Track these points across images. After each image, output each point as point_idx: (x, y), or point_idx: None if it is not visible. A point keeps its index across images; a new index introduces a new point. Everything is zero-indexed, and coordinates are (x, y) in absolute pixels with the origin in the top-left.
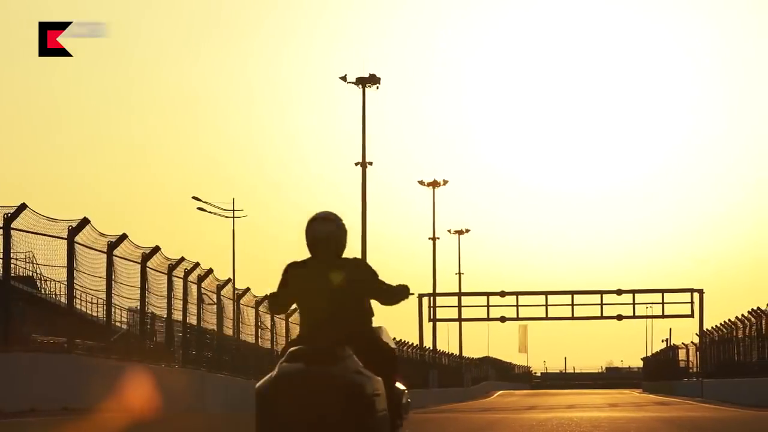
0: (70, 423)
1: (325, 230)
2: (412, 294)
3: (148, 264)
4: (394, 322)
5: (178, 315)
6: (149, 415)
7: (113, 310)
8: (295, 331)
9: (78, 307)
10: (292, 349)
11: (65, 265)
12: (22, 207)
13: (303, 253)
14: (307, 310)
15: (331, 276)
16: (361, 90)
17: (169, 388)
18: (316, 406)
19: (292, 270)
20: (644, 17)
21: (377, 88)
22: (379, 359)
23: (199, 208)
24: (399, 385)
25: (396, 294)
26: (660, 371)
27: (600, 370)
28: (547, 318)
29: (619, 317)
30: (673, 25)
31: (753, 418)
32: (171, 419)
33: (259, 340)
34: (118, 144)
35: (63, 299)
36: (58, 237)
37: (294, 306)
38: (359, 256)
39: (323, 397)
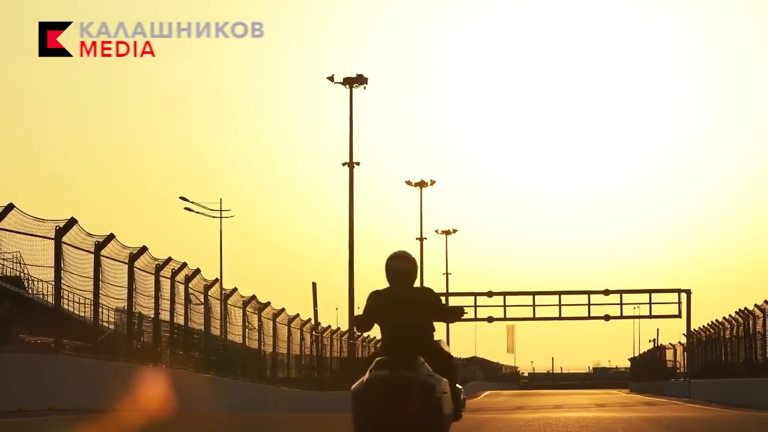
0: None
1: (402, 266)
2: (466, 313)
3: (136, 264)
4: None
5: (165, 315)
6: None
7: (100, 310)
8: (281, 330)
9: (65, 307)
10: (378, 359)
11: (52, 265)
12: (10, 207)
13: (291, 254)
14: (388, 328)
15: (406, 302)
16: (348, 90)
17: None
18: (399, 403)
19: (374, 297)
20: (631, 17)
21: (364, 88)
22: (442, 365)
23: (187, 209)
24: (458, 385)
25: (453, 314)
26: (647, 371)
27: (587, 371)
28: (534, 318)
29: (607, 317)
30: (659, 24)
31: (740, 419)
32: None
33: (247, 340)
34: (106, 144)
35: (50, 299)
36: (45, 237)
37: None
38: (347, 256)
39: (405, 396)
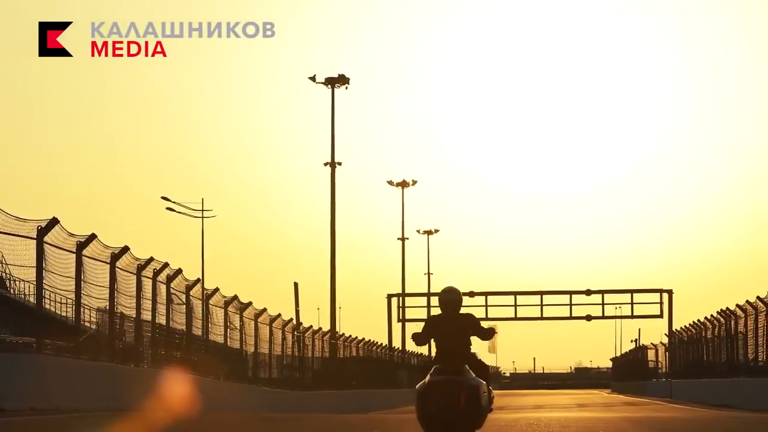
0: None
1: (450, 298)
2: (497, 333)
3: (117, 264)
4: (363, 323)
5: (147, 315)
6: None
7: (82, 310)
8: (263, 330)
9: (47, 307)
10: (435, 366)
11: (34, 264)
12: None
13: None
14: (441, 343)
15: (454, 323)
16: (330, 90)
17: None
18: (453, 399)
19: (431, 320)
20: (613, 19)
21: (346, 88)
22: (480, 371)
23: (168, 208)
24: (489, 386)
25: (488, 334)
26: (629, 371)
27: (569, 371)
28: (516, 318)
29: (588, 317)
30: (642, 26)
31: (721, 419)
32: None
33: (228, 340)
34: (88, 144)
35: (32, 299)
36: (27, 237)
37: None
38: (329, 256)
39: (457, 394)
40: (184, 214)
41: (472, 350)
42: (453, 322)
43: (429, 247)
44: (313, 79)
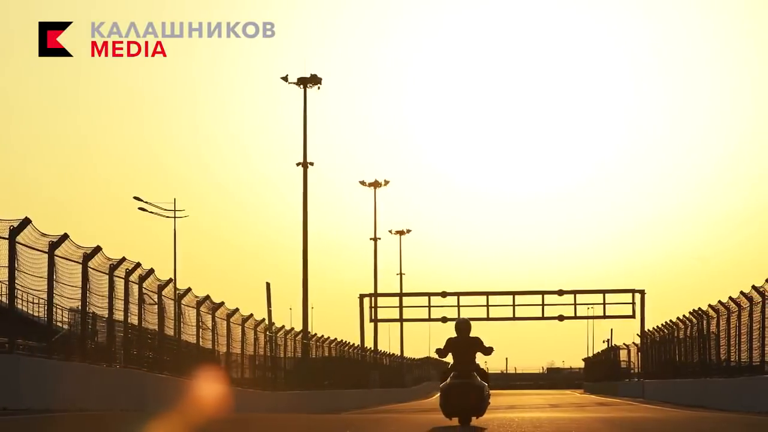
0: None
1: (463, 327)
2: (494, 350)
3: (90, 264)
4: (336, 323)
5: (119, 315)
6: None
7: (54, 310)
8: (235, 330)
9: (19, 307)
10: (453, 372)
11: (6, 265)
12: None
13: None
14: (457, 357)
15: (465, 343)
16: (302, 90)
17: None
18: (466, 396)
19: (450, 340)
20: (581, 18)
21: (318, 88)
22: (483, 376)
23: (141, 209)
24: (487, 386)
25: (488, 351)
26: (601, 372)
27: (541, 371)
28: (488, 318)
29: (561, 318)
30: (609, 25)
31: (693, 419)
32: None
33: (201, 340)
34: (60, 144)
35: (4, 299)
36: None
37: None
38: (301, 256)
39: (469, 392)
40: (156, 214)
41: (477, 360)
42: (465, 342)
43: (401, 247)
44: (285, 79)
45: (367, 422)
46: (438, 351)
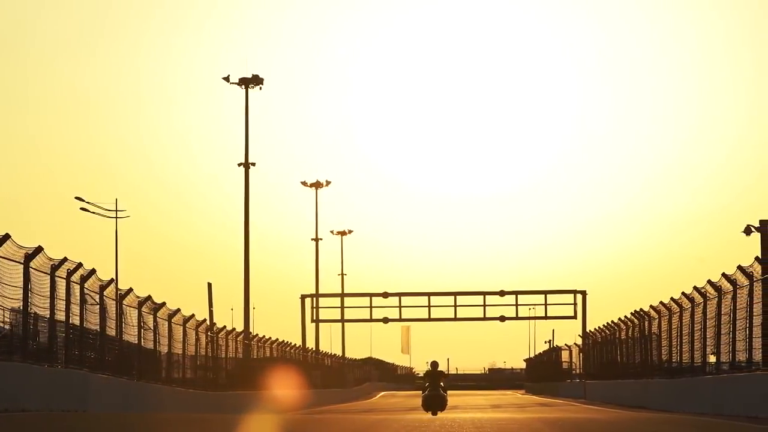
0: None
1: (434, 365)
2: (447, 375)
3: (31, 264)
4: (277, 324)
5: (61, 315)
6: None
7: None
8: (177, 331)
9: None
10: (429, 387)
11: None
12: None
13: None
14: (431, 381)
15: (435, 374)
16: (244, 90)
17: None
18: (438, 399)
19: (428, 371)
20: (528, 19)
21: (260, 88)
22: (444, 391)
23: (83, 209)
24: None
25: (446, 377)
26: (543, 372)
27: (483, 371)
28: (429, 319)
29: (502, 318)
30: (555, 27)
31: (635, 420)
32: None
33: (142, 340)
34: (0, 143)
35: None
36: None
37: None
38: (242, 256)
39: (438, 398)
40: (98, 214)
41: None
42: (435, 373)
43: (343, 248)
44: (227, 79)
45: (309, 423)
46: (422, 380)
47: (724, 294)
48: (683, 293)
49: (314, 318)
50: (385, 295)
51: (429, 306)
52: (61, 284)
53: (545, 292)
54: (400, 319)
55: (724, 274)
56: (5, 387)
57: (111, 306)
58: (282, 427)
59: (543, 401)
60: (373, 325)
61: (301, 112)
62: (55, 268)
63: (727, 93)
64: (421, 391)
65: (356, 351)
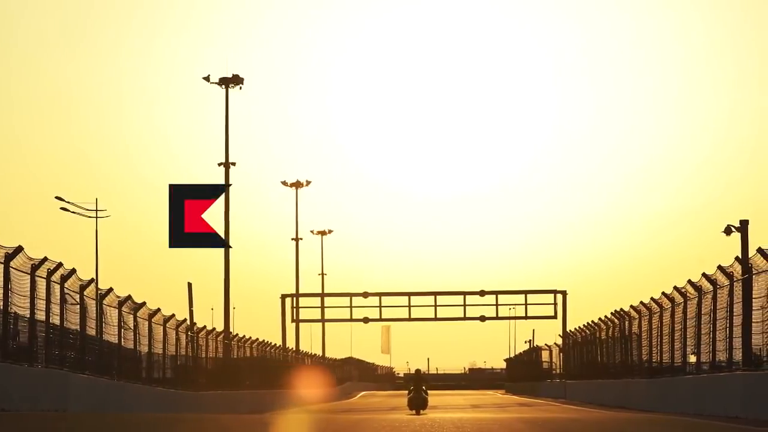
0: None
1: (419, 372)
2: (425, 381)
3: (11, 264)
4: (257, 324)
5: (41, 315)
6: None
7: None
8: (157, 331)
9: None
10: (413, 389)
11: None
12: None
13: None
14: (415, 384)
15: (418, 377)
16: (224, 90)
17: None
18: (420, 399)
19: (412, 376)
20: (508, 20)
21: (240, 88)
22: (426, 393)
23: (63, 208)
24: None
25: (427, 381)
26: (523, 372)
27: (463, 371)
28: (410, 319)
29: (482, 318)
30: (533, 27)
31: (615, 420)
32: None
33: (123, 340)
34: None
35: None
36: None
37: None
38: (222, 256)
39: (422, 400)
40: (78, 214)
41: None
42: (418, 377)
43: (323, 248)
44: (207, 79)
45: (291, 422)
46: (407, 382)
47: (705, 294)
48: (663, 293)
49: (294, 318)
50: (366, 295)
51: (409, 306)
52: (41, 284)
53: (525, 292)
54: (381, 319)
55: (704, 274)
56: None
57: (91, 306)
58: (263, 427)
59: (523, 401)
60: (354, 325)
61: (281, 112)
62: (35, 267)
63: (707, 93)
64: (402, 391)
65: (336, 351)
